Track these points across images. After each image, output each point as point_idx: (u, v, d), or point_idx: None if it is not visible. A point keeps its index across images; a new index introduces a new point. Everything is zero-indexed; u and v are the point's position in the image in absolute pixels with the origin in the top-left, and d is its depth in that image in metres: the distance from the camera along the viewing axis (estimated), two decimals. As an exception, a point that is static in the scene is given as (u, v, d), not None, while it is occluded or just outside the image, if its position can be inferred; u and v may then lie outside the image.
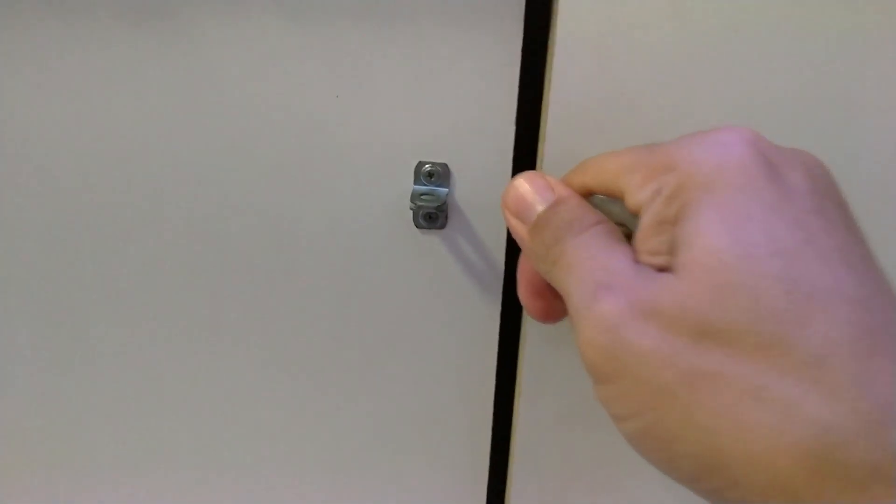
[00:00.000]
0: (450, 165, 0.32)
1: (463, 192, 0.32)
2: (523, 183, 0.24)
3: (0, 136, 0.33)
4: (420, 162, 0.32)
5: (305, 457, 0.39)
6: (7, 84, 0.32)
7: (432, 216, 0.32)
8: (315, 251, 0.34)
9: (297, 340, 0.36)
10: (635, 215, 0.21)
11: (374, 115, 0.31)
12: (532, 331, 0.33)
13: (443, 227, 0.33)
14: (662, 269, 0.19)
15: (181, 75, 0.31)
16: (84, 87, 0.32)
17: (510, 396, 0.37)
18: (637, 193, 0.21)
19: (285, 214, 0.33)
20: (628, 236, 0.22)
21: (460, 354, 0.36)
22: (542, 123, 0.30)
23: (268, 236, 0.34)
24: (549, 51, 0.28)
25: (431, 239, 0.33)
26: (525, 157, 0.31)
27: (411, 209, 0.32)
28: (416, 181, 0.32)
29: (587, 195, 0.24)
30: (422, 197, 0.31)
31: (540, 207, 0.23)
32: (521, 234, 0.24)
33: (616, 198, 0.22)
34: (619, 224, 0.23)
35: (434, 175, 0.32)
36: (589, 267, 0.20)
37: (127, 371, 0.38)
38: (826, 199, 0.19)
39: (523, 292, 0.26)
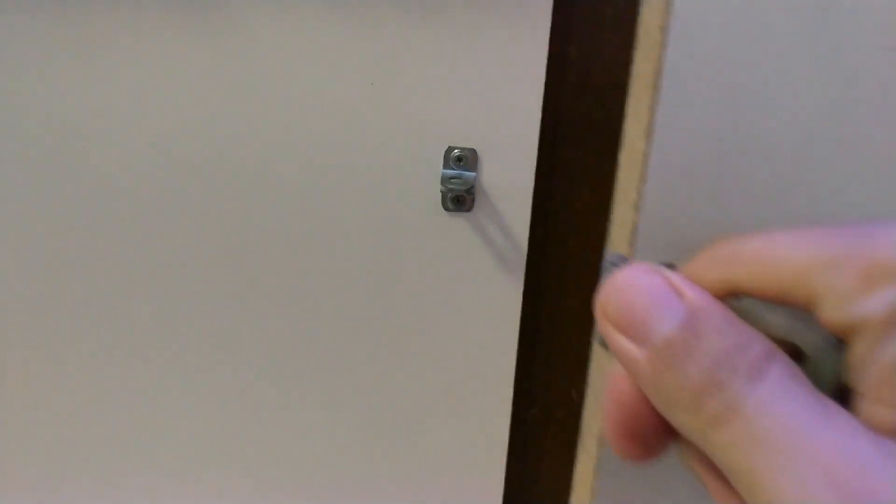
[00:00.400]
0: (478, 151, 0.33)
1: (490, 176, 0.34)
2: (634, 283, 0.17)
3: (40, 124, 0.34)
4: (450, 147, 0.33)
5: (334, 432, 0.41)
6: (47, 72, 0.33)
7: (460, 199, 0.34)
8: (350, 232, 0.35)
9: (333, 316, 0.38)
10: (837, 338, 0.15)
11: (406, 103, 0.32)
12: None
13: (470, 209, 0.34)
14: None
15: (225, 65, 0.32)
16: (130, 76, 0.33)
17: (529, 374, 0.39)
18: (849, 304, 0.14)
19: (322, 196, 0.35)
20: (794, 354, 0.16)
21: (483, 329, 0.37)
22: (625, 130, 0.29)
23: (306, 216, 0.35)
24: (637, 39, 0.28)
25: (459, 221, 0.35)
26: (549, 144, 0.32)
27: (441, 192, 0.34)
28: (446, 165, 0.33)
29: (725, 296, 0.17)
30: (451, 180, 0.33)
31: (666, 324, 0.16)
32: (634, 359, 0.16)
33: (787, 304, 0.16)
34: (777, 340, 0.16)
35: (463, 160, 0.33)
36: (809, 449, 0.13)
37: (155, 353, 0.40)
38: None
39: (613, 430, 0.18)
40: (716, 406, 0.15)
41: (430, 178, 0.34)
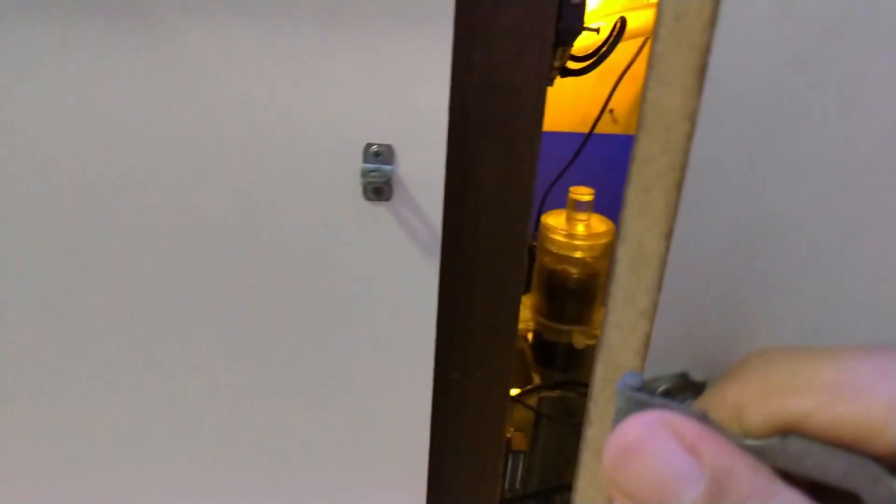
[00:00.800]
0: (394, 146, 0.37)
1: (406, 168, 0.37)
2: (646, 449, 0.14)
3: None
4: (368, 143, 0.37)
5: (255, 428, 0.45)
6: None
7: (379, 190, 0.38)
8: (282, 223, 0.39)
9: (269, 298, 0.41)
10: None
11: (326, 105, 0.36)
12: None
13: (389, 199, 0.38)
14: None
15: (155, 71, 0.35)
16: (61, 83, 0.35)
17: (449, 342, 0.44)
18: None
19: (253, 193, 0.38)
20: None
21: (406, 304, 0.42)
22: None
23: (237, 213, 0.38)
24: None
25: (379, 209, 0.38)
26: (459, 138, 0.37)
27: (361, 184, 0.37)
28: (365, 160, 0.37)
29: (772, 433, 0.14)
30: (370, 174, 0.36)
31: (686, 499, 0.14)
32: None
33: (859, 448, 0.13)
34: (829, 488, 0.14)
35: (380, 155, 0.37)
36: None
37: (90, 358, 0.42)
38: None
39: None
40: None
41: (351, 172, 0.37)
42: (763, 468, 0.13)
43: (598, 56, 0.45)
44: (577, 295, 0.67)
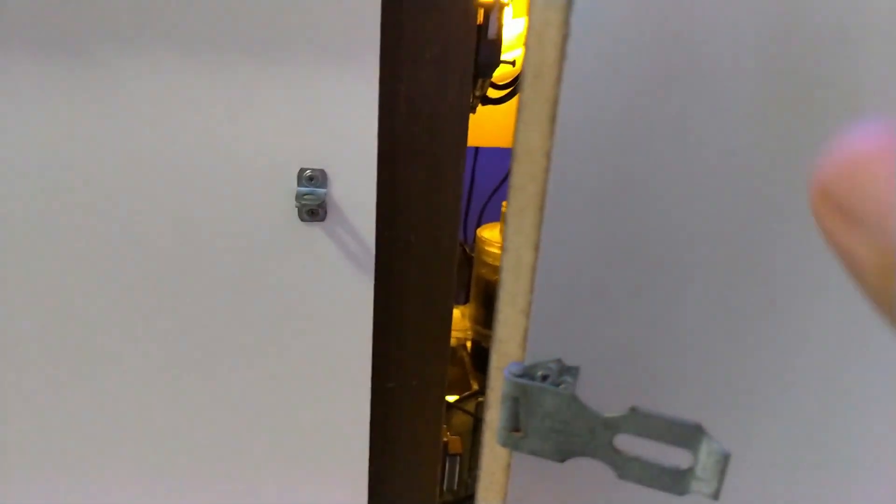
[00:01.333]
0: (326, 171, 0.39)
1: (338, 191, 0.40)
2: (871, 159, 0.12)
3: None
4: (302, 168, 0.39)
5: (188, 437, 0.46)
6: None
7: (314, 212, 0.40)
8: (223, 245, 0.40)
9: (211, 314, 0.43)
10: None
11: (263, 134, 0.38)
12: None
13: (323, 220, 0.40)
14: None
15: (93, 105, 0.36)
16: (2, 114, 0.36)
17: (385, 353, 0.46)
18: None
19: (194, 218, 0.40)
20: None
21: (343, 319, 0.44)
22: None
23: (180, 238, 0.40)
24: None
25: (315, 230, 0.41)
26: (388, 162, 0.39)
27: (296, 207, 0.40)
28: (300, 184, 0.39)
29: None
30: (304, 196, 0.39)
31: None
32: (865, 257, 0.12)
33: None
34: None
35: (314, 179, 0.39)
36: None
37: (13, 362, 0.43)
38: None
39: None
40: None
41: (287, 195, 0.39)
42: None
43: (515, 86, 0.49)
44: (512, 304, 0.71)
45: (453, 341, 0.73)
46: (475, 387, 0.67)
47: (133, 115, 0.37)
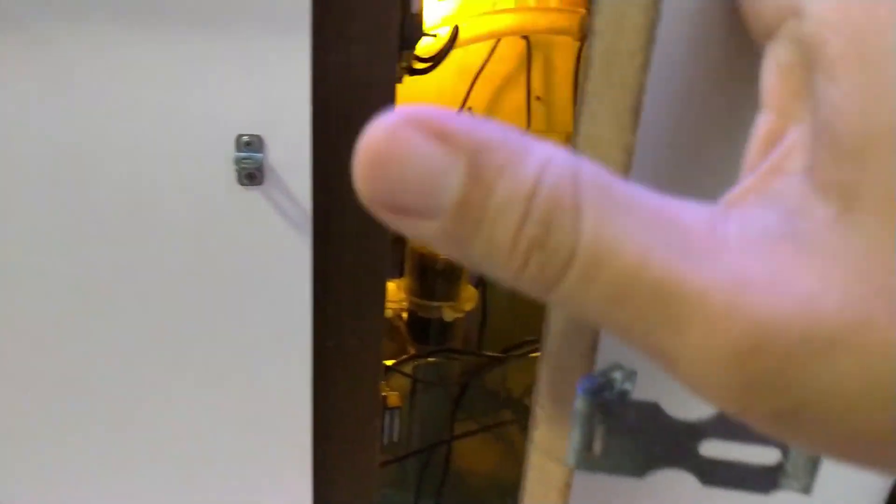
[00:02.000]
0: (263, 136, 0.42)
1: (275, 156, 0.43)
2: (406, 148, 0.13)
3: None
4: (240, 134, 0.42)
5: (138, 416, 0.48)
6: None
7: (252, 175, 0.42)
8: (163, 210, 0.42)
9: (151, 281, 0.45)
10: None
11: (202, 102, 0.40)
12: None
13: (261, 183, 0.43)
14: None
15: (29, 76, 0.38)
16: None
17: (324, 313, 0.49)
18: None
19: (135, 185, 0.41)
20: None
21: (282, 280, 0.47)
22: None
23: (121, 206, 0.42)
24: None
25: (253, 193, 0.43)
26: (321, 129, 0.42)
27: (235, 171, 0.42)
28: (238, 149, 0.42)
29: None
30: (243, 161, 0.41)
31: (448, 188, 0.13)
32: (432, 235, 0.13)
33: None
34: None
35: (251, 144, 0.42)
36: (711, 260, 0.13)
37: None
38: None
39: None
40: (568, 242, 0.12)
41: (226, 161, 0.42)
42: (512, 130, 0.13)
43: (437, 58, 0.53)
44: (444, 275, 0.75)
45: (389, 313, 0.77)
46: (412, 352, 0.71)
47: (70, 86, 0.39)
